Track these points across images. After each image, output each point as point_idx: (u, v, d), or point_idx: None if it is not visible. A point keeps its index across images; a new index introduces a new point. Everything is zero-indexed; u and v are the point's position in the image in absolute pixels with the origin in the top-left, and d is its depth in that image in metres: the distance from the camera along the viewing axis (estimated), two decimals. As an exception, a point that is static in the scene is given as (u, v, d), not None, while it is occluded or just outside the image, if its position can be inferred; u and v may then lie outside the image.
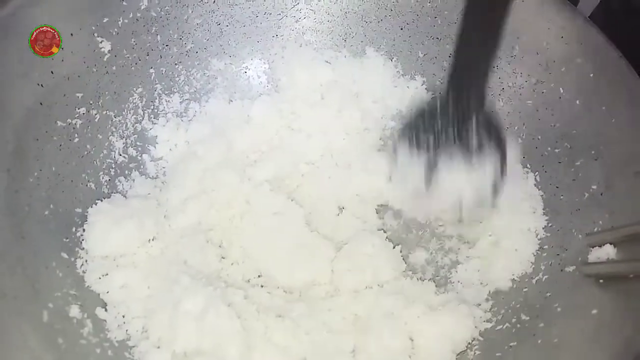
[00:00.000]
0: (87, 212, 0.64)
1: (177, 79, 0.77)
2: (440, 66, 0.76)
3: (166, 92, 0.76)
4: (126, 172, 0.71)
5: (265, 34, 0.80)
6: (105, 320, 0.57)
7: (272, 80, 0.80)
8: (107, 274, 0.60)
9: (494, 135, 0.57)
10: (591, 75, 0.61)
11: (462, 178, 0.56)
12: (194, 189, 0.69)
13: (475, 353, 0.57)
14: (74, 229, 0.62)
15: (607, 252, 0.52)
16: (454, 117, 0.56)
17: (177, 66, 0.77)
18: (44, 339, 0.49)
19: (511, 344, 0.55)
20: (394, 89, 0.77)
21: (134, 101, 0.73)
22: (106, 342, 0.56)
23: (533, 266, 0.61)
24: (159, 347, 0.56)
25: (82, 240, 0.62)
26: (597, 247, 0.53)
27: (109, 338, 0.56)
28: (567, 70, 0.64)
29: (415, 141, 0.58)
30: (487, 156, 0.56)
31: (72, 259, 0.60)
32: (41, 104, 0.62)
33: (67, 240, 0.60)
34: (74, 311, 0.54)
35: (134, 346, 0.57)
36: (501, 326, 0.58)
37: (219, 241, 0.67)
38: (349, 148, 0.74)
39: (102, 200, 0.66)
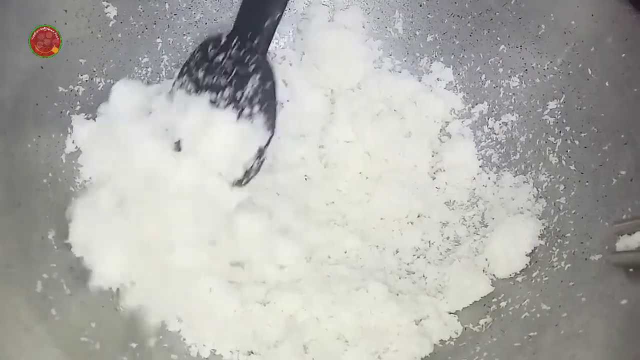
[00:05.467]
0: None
1: (185, 50, 0.74)
2: (460, 45, 0.73)
3: (173, 64, 0.73)
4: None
5: (277, 8, 0.77)
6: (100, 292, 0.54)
7: (283, 56, 0.77)
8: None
9: (268, 95, 0.59)
10: (623, 55, 0.58)
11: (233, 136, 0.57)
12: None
13: (492, 340, 0.54)
14: (73, 199, 0.59)
15: (638, 240, 0.49)
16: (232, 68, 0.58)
17: (185, 37, 0.74)
18: (36, 309, 0.47)
19: (531, 333, 0.52)
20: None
21: (139, 71, 0.70)
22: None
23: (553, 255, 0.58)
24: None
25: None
26: (626, 235, 0.50)
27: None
28: (597, 50, 0.61)
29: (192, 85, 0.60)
30: (258, 117, 0.58)
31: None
32: (42, 67, 0.59)
33: (67, 210, 0.57)
34: (69, 282, 0.52)
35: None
36: (518, 316, 0.55)
37: None
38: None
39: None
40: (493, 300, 0.59)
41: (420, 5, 0.74)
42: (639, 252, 0.49)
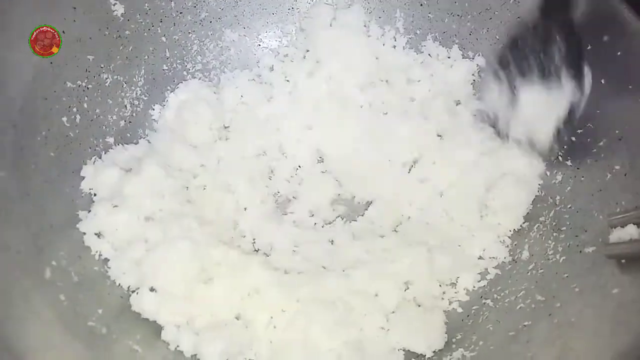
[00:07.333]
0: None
1: (190, 48, 0.76)
2: (460, 44, 0.74)
3: (178, 61, 0.75)
4: (134, 140, 0.70)
5: (281, 6, 0.78)
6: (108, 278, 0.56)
7: (286, 54, 0.78)
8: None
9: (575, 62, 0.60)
10: (619, 53, 0.59)
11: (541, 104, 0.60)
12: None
13: (489, 328, 0.56)
14: (81, 191, 0.61)
15: (630, 232, 0.50)
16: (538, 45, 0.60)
17: (190, 35, 0.75)
18: (45, 295, 0.48)
19: (525, 323, 0.53)
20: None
21: (146, 68, 0.72)
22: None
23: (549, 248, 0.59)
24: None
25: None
26: (619, 228, 0.51)
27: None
28: (593, 49, 0.62)
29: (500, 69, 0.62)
30: (565, 83, 0.59)
31: (80, 221, 0.58)
32: (51, 63, 0.61)
33: (74, 201, 0.59)
34: (77, 270, 0.53)
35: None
36: (514, 307, 0.56)
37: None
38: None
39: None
40: (491, 291, 0.60)
41: (421, 5, 0.75)
42: (631, 243, 0.50)
